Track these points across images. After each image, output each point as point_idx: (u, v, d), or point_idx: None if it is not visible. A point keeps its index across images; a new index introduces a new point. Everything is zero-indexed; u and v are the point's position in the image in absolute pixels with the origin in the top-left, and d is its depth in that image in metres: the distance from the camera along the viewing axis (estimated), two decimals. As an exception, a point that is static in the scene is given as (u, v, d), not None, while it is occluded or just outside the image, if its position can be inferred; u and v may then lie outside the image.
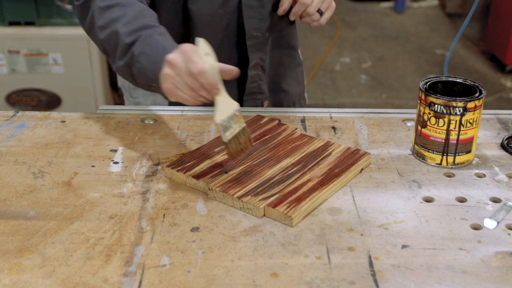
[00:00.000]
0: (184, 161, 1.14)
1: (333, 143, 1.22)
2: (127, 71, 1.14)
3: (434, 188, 1.11)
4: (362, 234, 0.98)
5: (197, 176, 1.09)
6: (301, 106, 1.61)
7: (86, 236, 0.97)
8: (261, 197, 1.03)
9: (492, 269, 0.90)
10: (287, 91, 1.55)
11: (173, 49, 1.05)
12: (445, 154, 1.16)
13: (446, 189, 1.11)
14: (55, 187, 1.10)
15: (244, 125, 1.07)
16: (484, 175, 1.15)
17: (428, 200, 1.07)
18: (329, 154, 1.18)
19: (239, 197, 1.03)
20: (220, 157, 1.16)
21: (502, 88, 4.09)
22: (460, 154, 1.16)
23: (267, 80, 1.49)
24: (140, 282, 0.87)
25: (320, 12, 1.37)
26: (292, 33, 1.51)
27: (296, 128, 1.28)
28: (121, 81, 1.54)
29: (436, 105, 1.13)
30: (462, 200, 1.08)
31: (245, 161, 1.15)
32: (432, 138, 1.16)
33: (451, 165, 1.17)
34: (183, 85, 1.02)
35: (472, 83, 1.18)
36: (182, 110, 1.39)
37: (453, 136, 1.14)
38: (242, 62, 1.42)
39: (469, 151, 1.17)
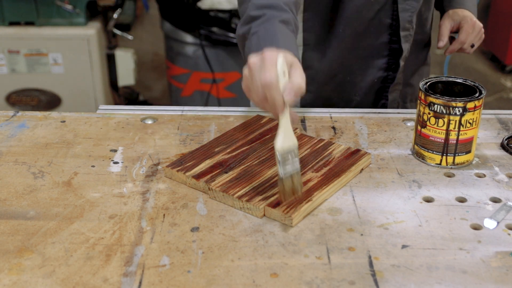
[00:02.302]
0: (184, 161, 1.14)
1: (333, 143, 1.22)
2: (242, 42, 1.18)
3: (434, 188, 1.11)
4: (362, 234, 0.98)
5: (197, 176, 1.09)
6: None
7: (86, 236, 0.97)
8: (261, 197, 1.03)
9: (492, 269, 0.90)
10: (413, 86, 1.59)
11: (279, 45, 1.02)
12: (444, 154, 1.16)
13: (446, 189, 1.11)
14: (55, 187, 1.10)
15: (299, 166, 0.99)
16: (484, 175, 1.15)
17: (428, 200, 1.07)
18: (329, 154, 1.18)
19: (239, 197, 1.03)
20: (220, 157, 1.16)
21: (502, 88, 4.09)
22: (459, 154, 1.16)
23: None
24: (140, 282, 0.87)
25: (472, 45, 1.51)
26: (428, 33, 1.56)
27: (296, 128, 1.28)
28: None
29: (435, 105, 1.13)
30: (462, 200, 1.08)
31: (245, 161, 1.15)
32: (431, 138, 1.16)
33: (450, 165, 1.17)
34: (254, 90, 0.97)
35: (472, 83, 1.18)
36: (182, 110, 1.39)
37: (452, 136, 1.14)
38: (392, 52, 1.46)
39: (469, 151, 1.17)
